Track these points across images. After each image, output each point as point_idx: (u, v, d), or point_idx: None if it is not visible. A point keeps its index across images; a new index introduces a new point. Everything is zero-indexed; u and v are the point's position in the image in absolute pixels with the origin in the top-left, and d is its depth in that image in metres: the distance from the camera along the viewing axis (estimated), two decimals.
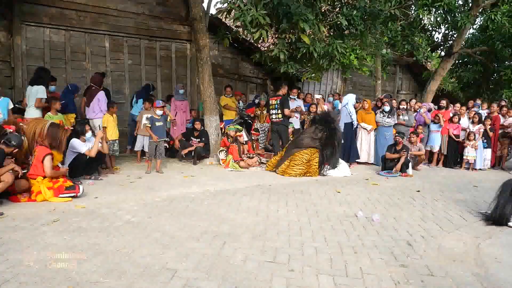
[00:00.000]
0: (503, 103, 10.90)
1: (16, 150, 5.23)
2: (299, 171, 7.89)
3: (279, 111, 8.82)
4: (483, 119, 10.26)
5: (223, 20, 11.01)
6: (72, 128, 6.90)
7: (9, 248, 3.56)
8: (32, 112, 6.98)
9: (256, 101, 10.83)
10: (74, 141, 6.55)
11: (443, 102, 10.82)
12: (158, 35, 10.68)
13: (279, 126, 8.94)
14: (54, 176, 5.52)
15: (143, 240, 3.92)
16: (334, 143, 8.08)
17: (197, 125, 9.04)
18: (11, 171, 4.96)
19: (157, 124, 7.76)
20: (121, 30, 10.12)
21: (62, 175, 5.72)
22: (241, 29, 8.69)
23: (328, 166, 8.11)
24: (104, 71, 9.07)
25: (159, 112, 7.83)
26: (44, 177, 5.37)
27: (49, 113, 6.95)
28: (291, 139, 9.00)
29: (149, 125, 7.69)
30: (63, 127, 5.82)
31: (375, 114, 9.89)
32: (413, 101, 11.34)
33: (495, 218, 5.03)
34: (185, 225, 4.44)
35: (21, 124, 5.69)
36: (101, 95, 8.02)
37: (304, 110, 10.19)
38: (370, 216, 5.08)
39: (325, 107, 10.64)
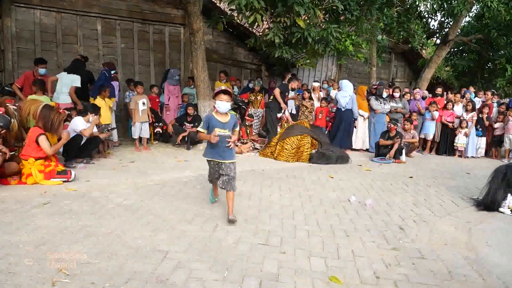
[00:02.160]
0: (489, 95, 10.77)
1: (4, 131, 5.15)
2: (290, 157, 7.90)
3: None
4: (479, 107, 10.28)
5: (217, 3, 10.91)
6: (69, 112, 6.79)
7: None
8: (64, 98, 7.46)
9: (250, 85, 10.76)
10: (77, 119, 6.55)
11: (439, 90, 10.84)
12: (151, 19, 10.53)
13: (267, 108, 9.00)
14: (56, 150, 5.61)
15: (135, 222, 3.89)
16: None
17: (190, 110, 8.97)
18: None
19: (220, 132, 4.08)
20: (113, 13, 9.96)
21: (62, 142, 5.77)
22: (235, 13, 8.57)
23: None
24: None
25: (223, 106, 4.07)
26: (36, 159, 5.31)
27: (34, 95, 6.84)
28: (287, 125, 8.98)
29: (203, 130, 4.20)
30: (57, 110, 5.74)
31: (368, 100, 9.89)
32: (417, 89, 11.33)
33: (486, 204, 5.07)
34: (177, 208, 4.42)
35: (7, 105, 5.60)
36: None
37: (297, 95, 10.16)
38: (363, 201, 5.09)
39: (321, 94, 10.61)
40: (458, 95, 10.79)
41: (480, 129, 10.04)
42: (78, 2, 9.44)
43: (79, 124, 6.53)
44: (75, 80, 7.57)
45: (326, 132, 9.54)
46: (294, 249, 3.41)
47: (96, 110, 6.84)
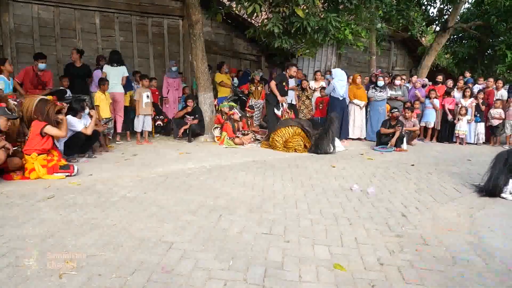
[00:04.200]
0: (491, 81, 10.74)
1: (10, 124, 5.19)
2: (282, 149, 7.94)
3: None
4: (476, 93, 10.27)
5: None
6: (68, 104, 6.76)
7: (5, 224, 3.55)
8: (118, 88, 8.30)
9: (250, 77, 10.75)
10: (70, 118, 6.43)
11: (440, 78, 10.83)
12: (149, 11, 10.48)
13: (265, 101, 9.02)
14: (66, 130, 5.82)
15: (139, 214, 3.92)
16: (328, 132, 7.99)
17: (190, 103, 8.96)
18: (2, 148, 4.91)
19: None
20: (111, 6, 9.91)
21: (65, 122, 5.85)
22: (234, 3, 8.54)
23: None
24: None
25: None
26: (39, 153, 5.34)
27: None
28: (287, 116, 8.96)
29: None
30: (54, 102, 5.75)
31: (367, 89, 9.89)
32: (414, 77, 11.35)
33: (488, 190, 5.08)
34: (181, 200, 4.45)
35: (9, 100, 5.62)
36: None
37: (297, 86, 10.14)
38: (365, 189, 5.11)
39: (323, 83, 10.54)
40: (462, 81, 10.78)
41: (478, 115, 10.01)
42: None
43: (76, 124, 6.42)
44: (124, 71, 8.41)
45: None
46: (298, 238, 3.44)
47: (80, 104, 6.72)
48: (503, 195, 4.97)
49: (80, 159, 6.44)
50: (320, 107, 9.89)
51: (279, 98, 8.72)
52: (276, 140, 8.03)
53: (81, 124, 6.47)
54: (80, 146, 6.51)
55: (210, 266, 2.85)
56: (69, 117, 6.42)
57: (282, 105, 8.93)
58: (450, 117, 10.05)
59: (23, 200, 4.28)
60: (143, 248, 3.11)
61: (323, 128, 7.99)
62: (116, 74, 8.25)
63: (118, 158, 6.80)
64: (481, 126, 10.09)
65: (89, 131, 6.43)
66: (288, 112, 9.14)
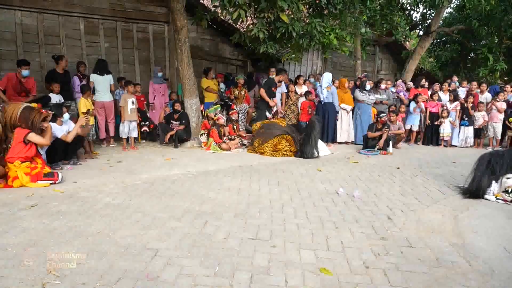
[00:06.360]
0: (474, 85, 10.95)
1: None
2: (271, 154, 7.97)
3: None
4: (464, 97, 10.42)
5: (201, 0, 10.85)
6: (53, 112, 6.65)
7: None
8: (107, 96, 8.39)
9: (232, 78, 10.82)
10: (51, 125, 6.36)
11: (424, 81, 11.00)
12: (134, 17, 10.42)
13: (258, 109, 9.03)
14: (50, 138, 5.76)
15: (124, 221, 3.88)
16: (311, 136, 8.04)
17: (177, 107, 8.93)
18: None
19: None
20: (96, 12, 9.84)
21: (49, 130, 5.77)
22: (219, 9, 8.55)
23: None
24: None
25: None
26: (23, 161, 5.26)
27: None
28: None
29: None
30: (39, 110, 5.68)
31: (353, 93, 9.97)
32: (399, 81, 11.51)
33: (472, 191, 5.15)
34: (166, 206, 4.41)
35: None
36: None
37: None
38: (351, 192, 5.14)
39: (304, 87, 10.57)
40: (446, 84, 10.96)
41: (466, 119, 10.14)
42: (60, 1, 9.29)
43: (55, 131, 6.29)
44: (111, 79, 8.54)
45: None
46: (284, 242, 3.44)
47: (59, 109, 6.62)
48: (486, 196, 5.04)
49: (65, 166, 6.35)
50: (310, 112, 9.85)
51: (271, 103, 8.74)
52: (266, 146, 8.03)
53: (61, 131, 6.38)
54: (60, 152, 6.39)
55: (195, 273, 2.84)
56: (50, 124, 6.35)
57: (274, 108, 8.97)
58: (428, 121, 10.20)
59: (5, 209, 4.20)
60: (127, 256, 3.08)
61: (306, 133, 8.04)
62: (104, 83, 8.31)
63: (103, 164, 6.73)
64: (470, 130, 10.19)
65: (69, 138, 6.34)
66: (280, 113, 9.22)
